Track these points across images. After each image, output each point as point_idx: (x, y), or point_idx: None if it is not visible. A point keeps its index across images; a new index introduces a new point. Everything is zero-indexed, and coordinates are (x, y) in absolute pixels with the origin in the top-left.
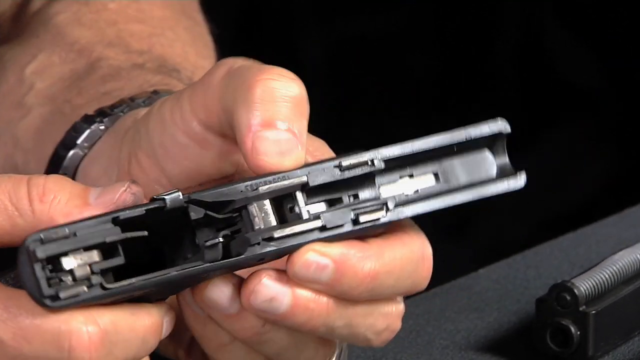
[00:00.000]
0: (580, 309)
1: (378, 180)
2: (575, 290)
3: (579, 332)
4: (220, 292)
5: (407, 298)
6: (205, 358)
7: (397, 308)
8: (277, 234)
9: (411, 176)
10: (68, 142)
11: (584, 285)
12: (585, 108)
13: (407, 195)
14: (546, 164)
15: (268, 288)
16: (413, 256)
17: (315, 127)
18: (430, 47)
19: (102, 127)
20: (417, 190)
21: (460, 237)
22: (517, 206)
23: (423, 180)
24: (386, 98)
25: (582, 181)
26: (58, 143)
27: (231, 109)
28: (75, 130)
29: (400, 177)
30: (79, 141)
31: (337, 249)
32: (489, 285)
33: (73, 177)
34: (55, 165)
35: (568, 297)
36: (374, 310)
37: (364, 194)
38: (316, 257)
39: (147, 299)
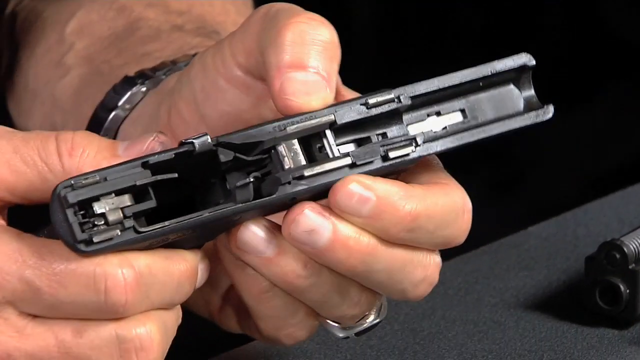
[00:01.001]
0: (630, 267)
1: (405, 118)
2: (625, 249)
3: (628, 290)
4: (253, 234)
5: (456, 254)
6: (236, 316)
7: (435, 260)
8: (307, 172)
9: (438, 113)
10: (109, 103)
11: (633, 243)
12: (638, 65)
13: (435, 132)
14: (597, 121)
15: (309, 219)
16: (454, 206)
17: (365, 79)
18: None
19: (143, 89)
20: (445, 127)
21: (510, 194)
22: (566, 164)
23: (450, 117)
24: (436, 50)
25: (633, 139)
26: (98, 104)
27: (264, 51)
28: (115, 92)
29: (428, 115)
30: (120, 103)
31: (380, 184)
32: (539, 243)
33: (114, 139)
34: (95, 127)
35: (617, 255)
36: (412, 258)
37: (392, 132)
38: (359, 188)
39: (181, 246)
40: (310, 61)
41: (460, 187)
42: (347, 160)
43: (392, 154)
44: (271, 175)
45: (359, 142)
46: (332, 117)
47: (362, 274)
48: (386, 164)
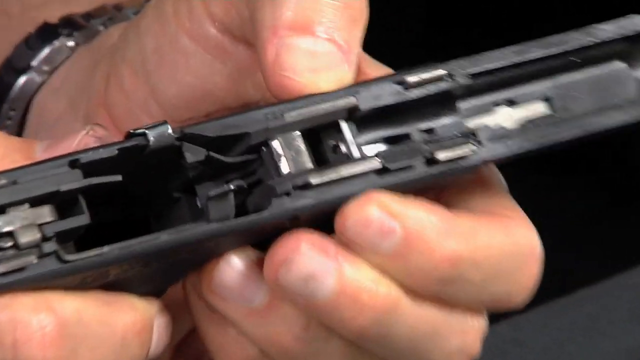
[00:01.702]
0: None
1: (462, 106)
2: None
3: None
4: (234, 271)
5: (539, 302)
6: None
7: (478, 324)
8: (315, 180)
9: (511, 102)
10: (18, 62)
11: None
12: None
13: (505, 127)
14: None
15: (307, 259)
16: (516, 250)
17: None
18: None
19: (70, 44)
20: (522, 122)
21: (620, 218)
22: None
23: (529, 107)
24: (510, 15)
25: None
26: (1, 63)
27: (255, 2)
28: (29, 46)
29: (496, 105)
30: (34, 62)
31: (412, 210)
32: None
33: (24, 115)
34: None
35: None
36: (447, 320)
37: (442, 126)
38: (380, 213)
39: (131, 288)
40: (321, 23)
41: (529, 224)
42: (374, 164)
43: (440, 155)
44: (263, 185)
45: (391, 141)
46: (353, 100)
47: (374, 339)
48: (432, 170)
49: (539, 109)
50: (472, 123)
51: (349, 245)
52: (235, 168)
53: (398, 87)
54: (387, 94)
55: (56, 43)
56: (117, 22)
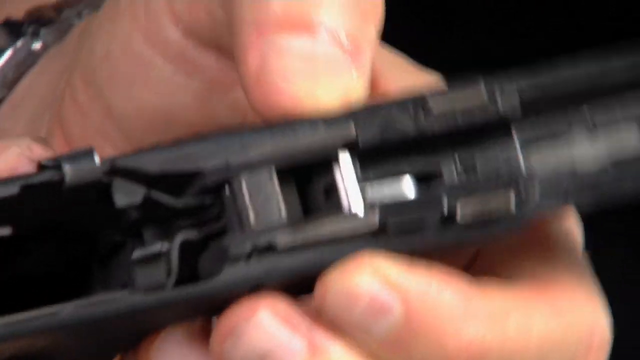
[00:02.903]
0: None
1: (519, 133)
2: None
3: None
4: (175, 354)
5: None
6: None
7: None
8: (283, 240)
9: (594, 126)
10: None
11: None
12: None
13: (577, 165)
14: None
15: (263, 332)
16: (569, 337)
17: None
18: None
19: (36, 46)
20: (602, 153)
21: None
22: None
23: (613, 134)
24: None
25: None
26: None
27: None
28: None
29: (564, 133)
30: None
31: (417, 280)
32: None
33: None
34: None
35: None
36: None
37: (485, 159)
38: (374, 284)
39: None
40: (320, 17)
41: (596, 299)
42: (369, 221)
43: (462, 211)
44: (216, 242)
45: (417, 176)
46: (351, 131)
47: None
48: (448, 234)
49: (627, 136)
50: (534, 156)
51: (332, 324)
52: (189, 212)
53: (418, 113)
54: (402, 121)
55: (19, 45)
56: (95, 9)
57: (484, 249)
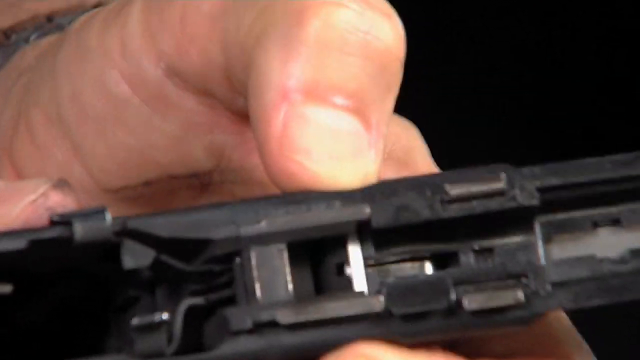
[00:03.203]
0: None
1: (540, 222)
2: None
3: None
4: None
5: None
6: None
7: None
8: (285, 317)
9: (617, 222)
10: None
11: None
12: None
13: (597, 254)
14: None
15: None
16: None
17: None
18: None
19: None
20: (621, 252)
21: None
22: None
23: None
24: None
25: None
26: None
27: (243, 43)
28: None
29: (594, 225)
30: None
31: None
32: None
33: None
34: None
35: None
36: None
37: (505, 246)
38: None
39: None
40: (348, 89)
41: None
42: (374, 304)
43: (469, 303)
44: (219, 313)
45: (435, 262)
46: (365, 212)
47: None
48: (453, 322)
49: None
50: (555, 249)
51: None
52: (199, 277)
53: (434, 198)
54: (418, 206)
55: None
56: (45, 35)
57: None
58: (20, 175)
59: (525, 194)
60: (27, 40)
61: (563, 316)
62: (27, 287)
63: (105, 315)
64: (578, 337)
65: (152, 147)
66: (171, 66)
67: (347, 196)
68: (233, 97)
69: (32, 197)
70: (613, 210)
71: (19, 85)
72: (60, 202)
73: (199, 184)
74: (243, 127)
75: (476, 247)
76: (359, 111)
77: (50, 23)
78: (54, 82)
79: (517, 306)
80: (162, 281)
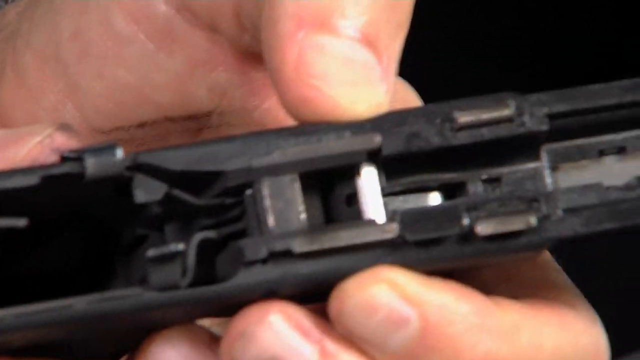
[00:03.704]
0: None
1: (548, 150)
2: None
3: None
4: (173, 356)
5: None
6: None
7: None
8: (300, 246)
9: (623, 150)
10: None
11: None
12: None
13: (604, 181)
14: None
15: (273, 335)
16: (576, 352)
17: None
18: None
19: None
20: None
21: None
22: None
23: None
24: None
25: None
26: None
27: None
28: None
29: (603, 153)
30: None
31: (435, 294)
32: None
33: None
34: None
35: None
36: None
37: (513, 173)
38: (391, 297)
39: (57, 352)
40: (360, 22)
41: (593, 315)
42: (388, 231)
43: (482, 229)
44: (233, 244)
45: (443, 189)
46: (376, 140)
47: None
48: (466, 249)
49: None
50: (562, 177)
51: (345, 334)
52: (210, 211)
53: (444, 126)
54: (428, 134)
55: None
56: None
57: (486, 274)
58: (5, 119)
59: (535, 120)
60: (6, 1)
61: (550, 258)
62: (38, 228)
63: (112, 259)
64: (568, 279)
65: (152, 86)
66: (182, 3)
67: (358, 126)
68: (240, 34)
69: (38, 138)
70: (618, 137)
71: (4, 34)
72: (66, 143)
73: (195, 127)
74: (247, 67)
75: (484, 176)
76: (372, 44)
77: None
78: (52, 23)
79: (529, 231)
80: (171, 218)
